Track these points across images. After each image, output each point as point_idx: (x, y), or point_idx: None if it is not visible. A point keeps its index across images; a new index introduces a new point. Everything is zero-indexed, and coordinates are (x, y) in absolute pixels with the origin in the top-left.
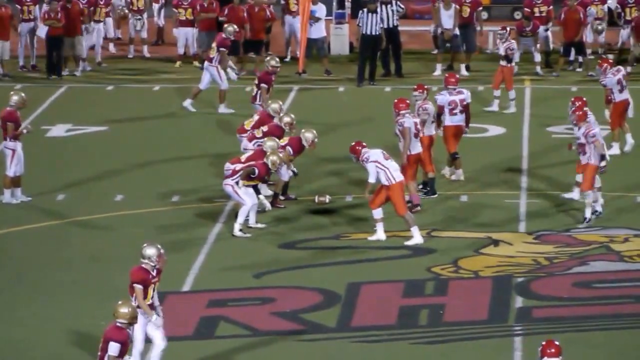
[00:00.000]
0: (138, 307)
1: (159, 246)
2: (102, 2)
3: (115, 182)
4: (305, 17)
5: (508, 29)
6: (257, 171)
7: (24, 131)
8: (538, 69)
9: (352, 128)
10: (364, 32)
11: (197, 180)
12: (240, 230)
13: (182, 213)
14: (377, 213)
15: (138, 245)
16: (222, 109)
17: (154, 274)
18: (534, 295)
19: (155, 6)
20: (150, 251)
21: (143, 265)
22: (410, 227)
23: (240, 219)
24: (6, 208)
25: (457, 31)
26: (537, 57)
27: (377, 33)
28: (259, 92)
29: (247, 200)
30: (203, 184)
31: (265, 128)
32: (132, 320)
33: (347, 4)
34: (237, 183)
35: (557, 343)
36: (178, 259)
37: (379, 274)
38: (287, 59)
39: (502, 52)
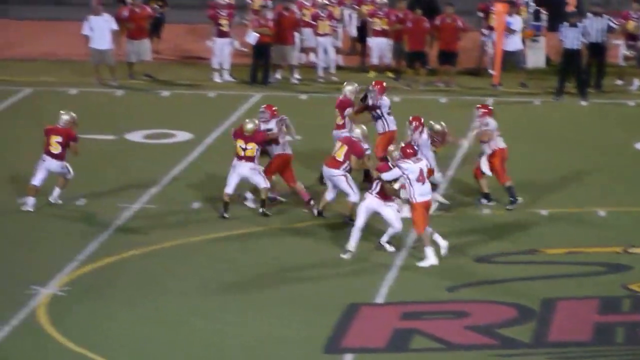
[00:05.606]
0: None
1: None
2: (324, 15)
3: None
4: (501, 29)
5: None
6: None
7: None
8: None
9: (549, 142)
10: (565, 46)
11: None
12: (388, 242)
13: None
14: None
15: None
16: None
17: None
18: None
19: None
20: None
21: None
22: (425, 246)
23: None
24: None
25: None
26: None
27: (578, 47)
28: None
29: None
30: None
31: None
32: None
33: (543, 16)
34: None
35: None
36: (372, 270)
37: (573, 289)
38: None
39: None
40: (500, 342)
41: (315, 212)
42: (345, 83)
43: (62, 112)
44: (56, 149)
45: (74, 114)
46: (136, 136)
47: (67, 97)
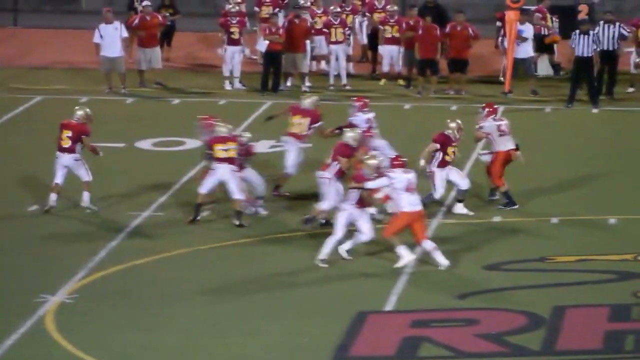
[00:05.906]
0: None
1: None
2: (336, 23)
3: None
4: (512, 37)
5: None
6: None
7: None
8: None
9: (560, 149)
10: (577, 54)
11: None
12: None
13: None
14: (428, 244)
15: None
16: None
17: None
18: None
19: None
20: None
21: None
22: (395, 248)
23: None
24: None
25: None
26: None
27: (590, 54)
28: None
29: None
30: None
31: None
32: None
33: (555, 24)
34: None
35: None
36: (380, 278)
37: (583, 297)
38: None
39: None
40: (509, 350)
41: (323, 221)
42: (307, 95)
43: (76, 107)
44: (66, 143)
45: (88, 110)
46: (146, 144)
47: (78, 105)
